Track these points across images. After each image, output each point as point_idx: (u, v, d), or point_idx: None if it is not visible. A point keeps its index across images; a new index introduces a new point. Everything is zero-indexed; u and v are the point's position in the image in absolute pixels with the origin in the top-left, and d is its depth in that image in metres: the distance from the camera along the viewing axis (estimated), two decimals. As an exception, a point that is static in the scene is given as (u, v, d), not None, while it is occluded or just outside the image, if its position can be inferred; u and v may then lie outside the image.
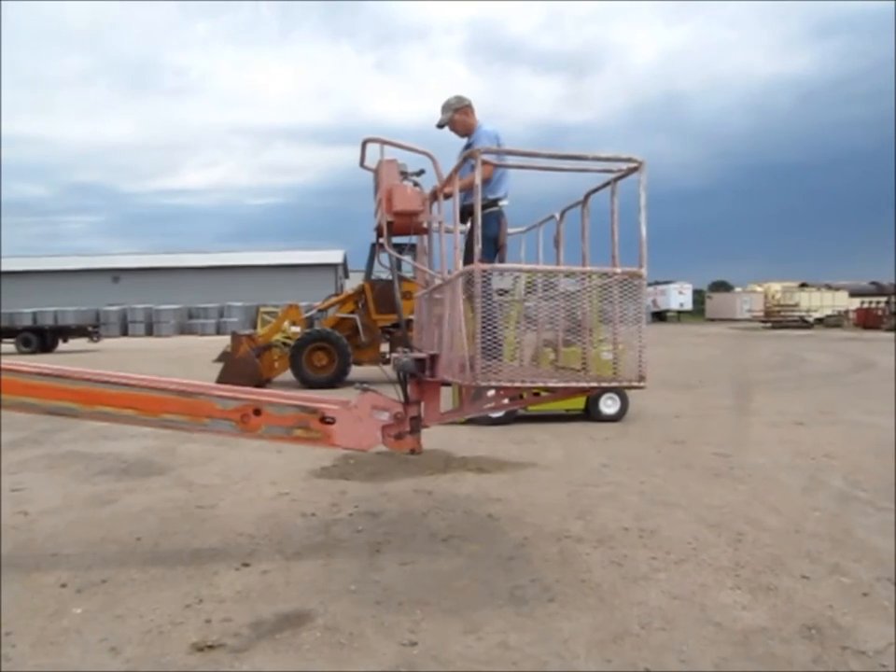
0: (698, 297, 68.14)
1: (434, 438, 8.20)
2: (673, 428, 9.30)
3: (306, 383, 14.09)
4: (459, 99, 5.45)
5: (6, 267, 49.34)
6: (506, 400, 5.21)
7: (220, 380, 13.46)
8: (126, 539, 4.93)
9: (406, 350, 4.70)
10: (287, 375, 14.63)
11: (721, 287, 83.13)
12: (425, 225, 4.92)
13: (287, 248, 62.21)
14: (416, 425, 4.51)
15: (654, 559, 4.51)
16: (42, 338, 29.40)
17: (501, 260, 5.26)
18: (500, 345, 4.14)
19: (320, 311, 16.88)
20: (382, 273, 15.68)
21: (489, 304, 3.69)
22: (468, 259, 4.20)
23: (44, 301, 48.43)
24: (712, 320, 60.52)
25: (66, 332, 31.32)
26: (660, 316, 61.63)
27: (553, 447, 8.14)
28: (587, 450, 8.01)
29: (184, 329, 49.65)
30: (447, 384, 4.62)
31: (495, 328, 3.80)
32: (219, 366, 15.03)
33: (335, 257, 57.64)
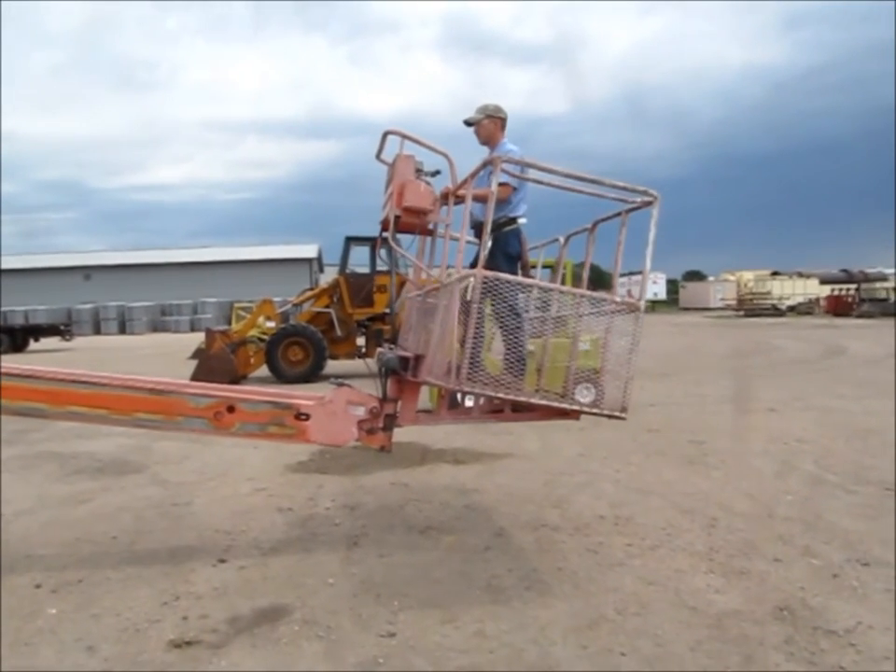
0: (672, 286, 68.65)
1: (411, 430, 8.20)
2: (648, 417, 9.37)
3: (282, 378, 14.04)
4: (497, 108, 5.38)
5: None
6: (484, 414, 5.20)
7: (195, 377, 13.36)
8: (101, 539, 4.89)
9: (392, 346, 4.68)
10: (263, 371, 14.57)
11: (695, 276, 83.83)
12: (430, 226, 4.91)
13: (262, 243, 61.72)
14: (390, 422, 4.50)
15: (630, 546, 4.56)
16: (13, 337, 28.95)
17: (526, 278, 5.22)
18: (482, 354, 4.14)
19: (295, 305, 16.82)
20: (356, 266, 15.68)
21: (483, 312, 3.72)
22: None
23: (14, 299, 47.69)
24: (686, 309, 61.03)
25: (38, 331, 30.88)
26: (635, 306, 61.98)
27: (529, 437, 8.18)
28: (563, 440, 8.05)
29: (157, 327, 49.19)
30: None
31: (484, 336, 3.83)
32: (194, 363, 14.92)
33: (309, 251, 57.34)
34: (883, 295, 45.54)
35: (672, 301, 66.12)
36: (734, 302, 53.91)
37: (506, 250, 5.06)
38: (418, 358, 4.37)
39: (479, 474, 6.50)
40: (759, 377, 13.57)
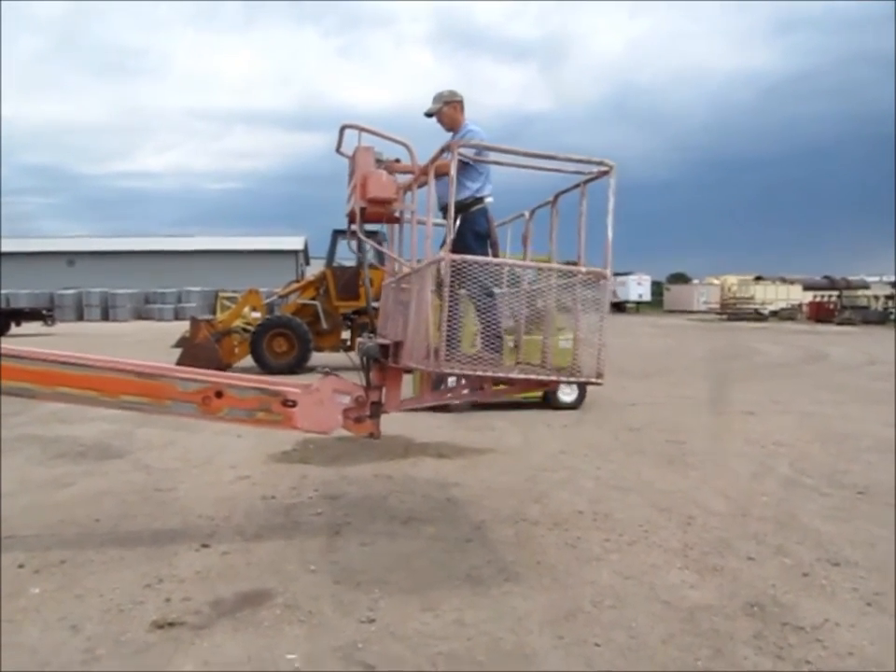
0: (657, 288, 69.00)
1: (395, 424, 8.27)
2: (629, 416, 9.49)
3: (267, 369, 14.02)
4: (452, 93, 5.44)
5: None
6: (466, 391, 5.31)
7: (180, 363, 13.34)
8: (84, 522, 4.92)
9: (371, 335, 4.76)
10: (247, 361, 14.56)
11: (680, 279, 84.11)
12: (397, 214, 4.98)
13: (248, 234, 61.48)
14: (376, 409, 4.59)
15: (607, 541, 4.65)
16: (-6, 320, 28.69)
17: (495, 256, 5.27)
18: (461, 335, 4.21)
19: (281, 297, 16.81)
20: (343, 259, 15.69)
21: (456, 294, 3.78)
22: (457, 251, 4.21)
23: (-5, 283, 47.23)
24: (670, 311, 61.30)
25: (19, 315, 30.58)
26: (619, 307, 62.36)
27: (511, 434, 8.26)
28: (545, 437, 8.15)
29: (141, 314, 48.83)
30: (409, 371, 4.72)
31: (459, 317, 3.89)
32: (178, 351, 14.89)
33: (296, 243, 57.10)
34: (864, 303, 45.98)
35: (657, 302, 66.44)
36: (717, 306, 54.24)
37: (474, 229, 5.12)
38: (398, 345, 4.45)
39: (461, 468, 6.57)
40: (739, 380, 13.70)
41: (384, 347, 4.55)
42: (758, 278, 58.95)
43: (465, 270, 3.80)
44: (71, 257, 54.05)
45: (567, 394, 10.04)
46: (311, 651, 3.16)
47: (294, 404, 4.34)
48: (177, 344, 16.49)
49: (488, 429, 8.48)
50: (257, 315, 15.49)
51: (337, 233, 15.46)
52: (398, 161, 4.95)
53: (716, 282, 61.68)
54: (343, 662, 3.08)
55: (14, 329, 29.68)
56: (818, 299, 49.75)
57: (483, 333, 4.35)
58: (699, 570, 4.18)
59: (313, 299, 15.34)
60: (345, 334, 15.38)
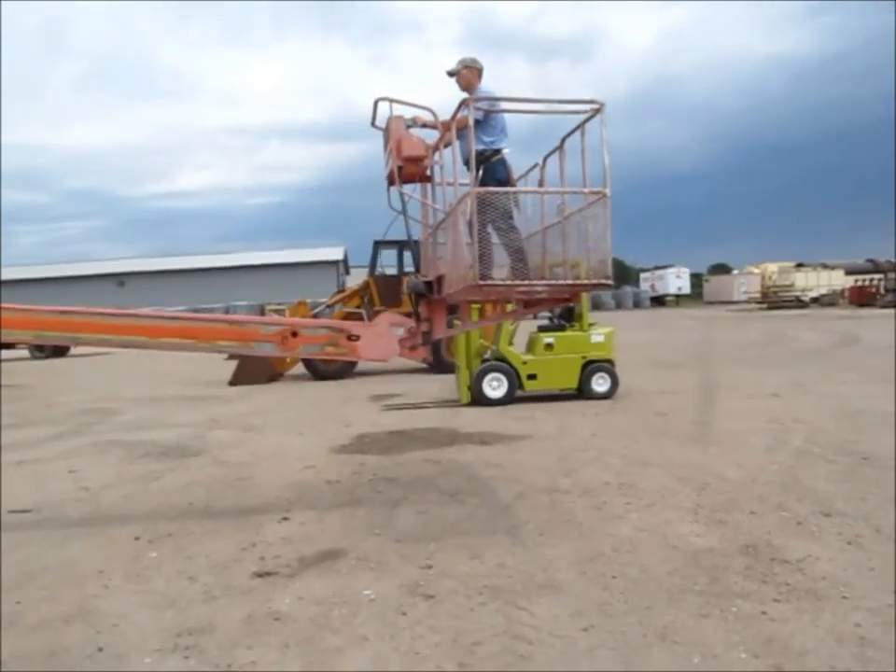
0: (697, 280, 68.84)
1: (441, 418, 9.11)
2: (658, 403, 10.12)
3: (317, 375, 14.92)
4: (473, 60, 6.19)
5: (8, 276, 50.08)
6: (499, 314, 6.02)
7: (236, 376, 14.35)
8: (180, 505, 5.79)
9: (417, 275, 5.59)
10: (299, 368, 15.47)
11: (721, 269, 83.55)
12: (428, 173, 5.78)
13: (289, 247, 63.04)
14: (427, 338, 5.52)
15: (629, 504, 5.36)
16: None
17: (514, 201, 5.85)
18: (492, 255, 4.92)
19: (328, 306, 17.73)
20: (385, 269, 16.56)
21: (484, 222, 4.62)
22: None
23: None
24: (711, 303, 61.18)
25: (78, 336, 32.04)
26: (659, 301, 62.43)
27: (547, 422, 8.97)
28: (578, 423, 8.85)
29: (190, 330, 50.55)
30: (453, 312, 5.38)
31: (489, 240, 4.74)
32: (230, 363, 15.87)
33: (336, 253, 58.53)
34: (908, 284, 45.34)
35: (697, 295, 66.34)
36: (757, 295, 53.98)
37: (495, 177, 5.81)
38: (440, 279, 5.29)
39: (501, 452, 7.32)
40: (768, 366, 14.21)
41: (428, 283, 5.38)
42: (799, 265, 58.49)
43: (487, 200, 4.66)
44: (121, 278, 56.14)
45: (600, 385, 10.75)
46: (382, 588, 3.94)
47: (357, 338, 5.23)
48: (230, 357, 17.49)
49: (527, 419, 9.20)
50: (305, 324, 16.40)
51: (378, 244, 16.32)
52: (425, 125, 5.76)
53: (756, 271, 61.25)
54: (409, 594, 3.85)
55: (73, 350, 31.13)
56: (859, 283, 49.24)
57: (509, 255, 5.08)
58: (707, 523, 4.86)
59: (358, 307, 16.22)
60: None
